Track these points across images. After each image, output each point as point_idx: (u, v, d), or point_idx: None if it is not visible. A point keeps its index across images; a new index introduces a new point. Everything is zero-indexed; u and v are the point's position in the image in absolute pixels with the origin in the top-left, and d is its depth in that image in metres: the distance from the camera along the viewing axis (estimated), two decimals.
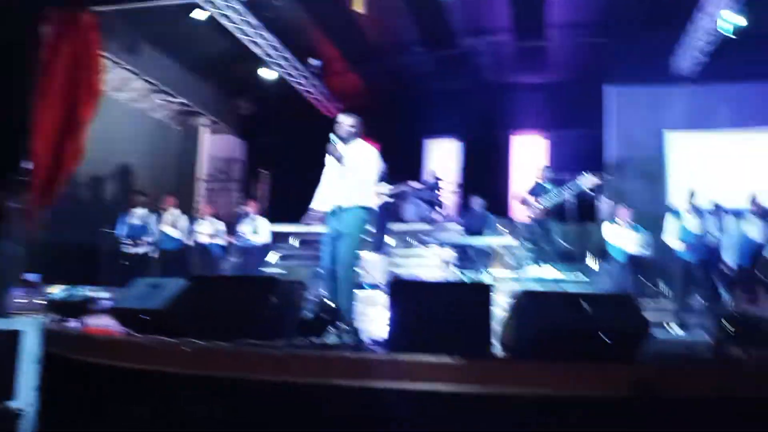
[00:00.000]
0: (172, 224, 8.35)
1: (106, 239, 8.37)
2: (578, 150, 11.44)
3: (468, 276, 7.17)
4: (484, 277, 7.09)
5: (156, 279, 3.97)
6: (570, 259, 9.14)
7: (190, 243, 8.50)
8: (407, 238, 9.45)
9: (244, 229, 8.45)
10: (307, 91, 11.52)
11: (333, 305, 3.51)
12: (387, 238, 8.46)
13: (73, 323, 4.05)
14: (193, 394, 2.95)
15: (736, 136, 10.15)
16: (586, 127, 11.31)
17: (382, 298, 5.11)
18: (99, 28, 7.33)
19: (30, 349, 3.77)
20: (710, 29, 8.65)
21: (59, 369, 3.55)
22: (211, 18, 8.63)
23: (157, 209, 8.47)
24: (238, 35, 9.18)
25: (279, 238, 10.09)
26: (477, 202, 8.34)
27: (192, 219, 8.85)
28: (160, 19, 8.99)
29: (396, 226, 9.66)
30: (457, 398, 2.74)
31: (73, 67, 6.84)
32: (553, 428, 2.70)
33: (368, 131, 4.99)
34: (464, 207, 9.87)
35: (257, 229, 8.43)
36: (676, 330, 6.38)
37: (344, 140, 4.59)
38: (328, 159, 4.75)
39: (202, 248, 8.47)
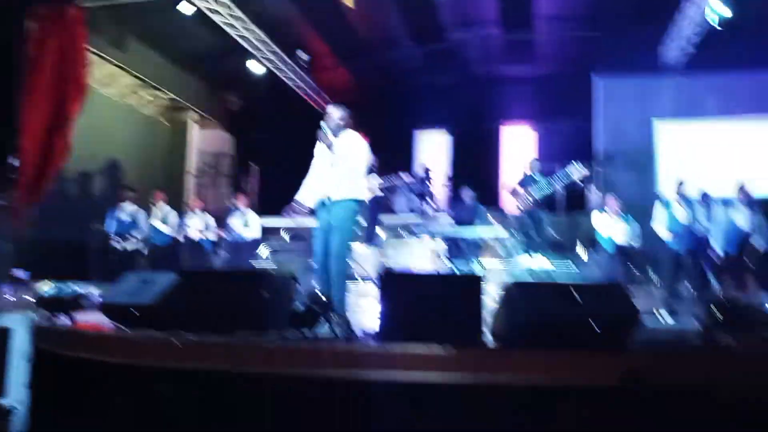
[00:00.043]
0: (162, 219, 8.32)
1: (95, 235, 8.32)
2: (567, 141, 11.49)
3: (459, 267, 7.19)
4: (475, 268, 7.11)
5: (146, 274, 3.95)
6: (560, 249, 9.19)
7: (180, 238, 8.47)
8: (398, 230, 9.46)
9: (234, 223, 8.43)
10: (297, 86, 11.48)
11: (324, 298, 3.50)
12: (378, 231, 8.47)
13: (62, 319, 4.03)
14: (184, 389, 2.95)
15: (723, 124, 10.22)
16: (575, 118, 11.35)
17: (373, 290, 5.12)
18: (85, 23, 7.27)
19: (19, 346, 3.75)
20: (697, 19, 8.69)
21: (49, 365, 3.53)
22: (198, 12, 8.57)
23: (146, 204, 8.43)
24: (226, 29, 9.12)
25: (269, 232, 10.07)
26: (467, 194, 8.35)
27: (181, 214, 8.81)
28: (146, 13, 8.92)
29: (387, 219, 9.67)
30: (448, 388, 2.75)
31: (60, 62, 6.78)
32: (544, 417, 2.72)
33: (358, 124, 4.98)
34: (455, 198, 9.89)
35: (247, 223, 8.42)
36: (665, 318, 6.43)
37: (334, 132, 4.57)
38: (317, 151, 4.74)
39: (192, 243, 8.44)
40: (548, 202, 8.54)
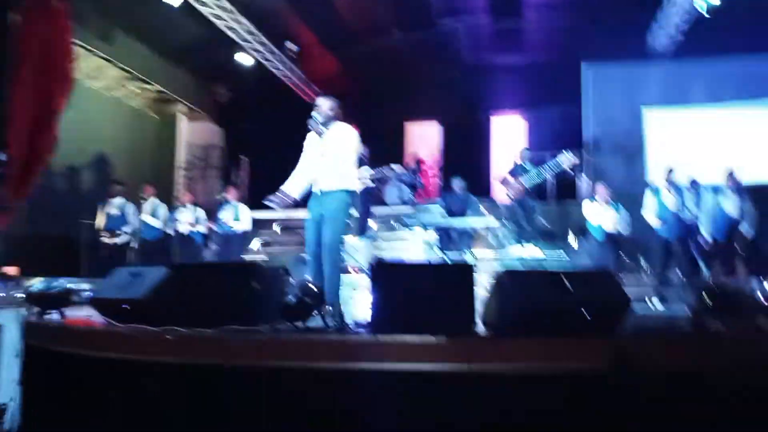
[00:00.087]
0: (152, 213, 8.28)
1: (84, 230, 8.27)
2: (557, 129, 11.53)
3: (451, 257, 7.20)
4: (467, 258, 7.13)
5: (136, 268, 3.93)
6: (551, 237, 9.23)
7: (171, 232, 8.43)
8: (390, 221, 9.46)
9: (225, 216, 8.39)
10: (286, 76, 11.42)
11: (316, 289, 3.50)
12: (370, 222, 8.47)
13: (53, 315, 4.00)
14: (176, 383, 2.94)
15: (712, 111, 10.27)
16: (565, 106, 11.38)
17: (365, 281, 5.12)
18: (71, 15, 7.19)
19: (10, 342, 3.73)
20: (686, 7, 8.71)
21: (41, 361, 3.52)
22: (185, 3, 8.50)
23: (135, 198, 8.38)
24: (214, 20, 9.05)
25: (261, 225, 10.04)
26: (458, 184, 8.36)
27: (172, 207, 8.77)
28: (133, 5, 8.84)
29: (379, 210, 9.67)
30: (441, 377, 2.76)
31: (46, 55, 6.69)
32: (537, 403, 2.74)
33: (348, 115, 4.97)
34: (446, 189, 9.89)
35: (238, 216, 8.39)
36: (656, 304, 6.48)
37: (324, 123, 4.56)
38: (308, 142, 4.73)
39: (182, 236, 8.40)
40: (538, 191, 8.57)
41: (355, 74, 11.93)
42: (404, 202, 10.49)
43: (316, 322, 3.37)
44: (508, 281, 3.20)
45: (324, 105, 4.59)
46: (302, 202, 4.82)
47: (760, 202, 7.23)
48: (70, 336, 3.47)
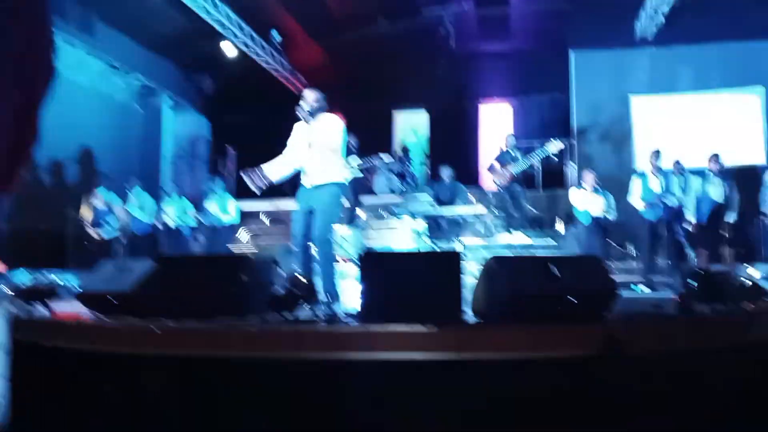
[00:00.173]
0: (139, 206, 8.23)
1: (70, 224, 8.21)
2: (545, 117, 11.57)
3: (440, 246, 7.22)
4: (456, 246, 7.15)
5: (123, 261, 3.90)
6: (539, 225, 9.29)
7: (158, 224, 8.39)
8: (379, 210, 9.46)
9: (212, 207, 8.36)
10: (271, 67, 11.35)
11: (305, 280, 3.49)
12: (359, 212, 8.46)
13: (40, 309, 3.97)
14: (165, 375, 2.93)
15: (698, 98, 10.33)
16: (552, 93, 11.41)
17: (354, 271, 5.12)
18: (51, 7, 7.10)
19: None
20: None
21: (29, 356, 3.49)
22: None
23: (122, 192, 8.32)
24: (197, 11, 8.96)
25: (249, 216, 10.01)
26: (446, 172, 8.37)
27: (158, 200, 8.72)
28: None
29: (367, 199, 9.66)
30: (431, 366, 2.77)
31: (26, 49, 6.61)
32: (527, 391, 2.75)
33: (335, 104, 4.95)
34: (434, 177, 9.90)
35: (225, 208, 8.36)
36: (643, 289, 6.53)
37: (310, 114, 4.54)
38: (295, 132, 4.71)
39: (170, 229, 8.37)
40: (526, 179, 8.60)
41: (341, 63, 11.88)
42: (393, 191, 10.49)
43: (305, 312, 3.36)
44: (496, 268, 3.20)
45: (310, 96, 4.57)
46: (290, 192, 4.81)
47: (744, 185, 7.31)
48: (58, 330, 3.44)
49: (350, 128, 4.97)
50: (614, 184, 7.87)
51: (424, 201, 8.22)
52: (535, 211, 9.67)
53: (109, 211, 8.02)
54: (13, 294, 4.23)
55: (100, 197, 8.03)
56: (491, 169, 8.52)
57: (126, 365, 3.03)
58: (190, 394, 2.90)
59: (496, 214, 8.88)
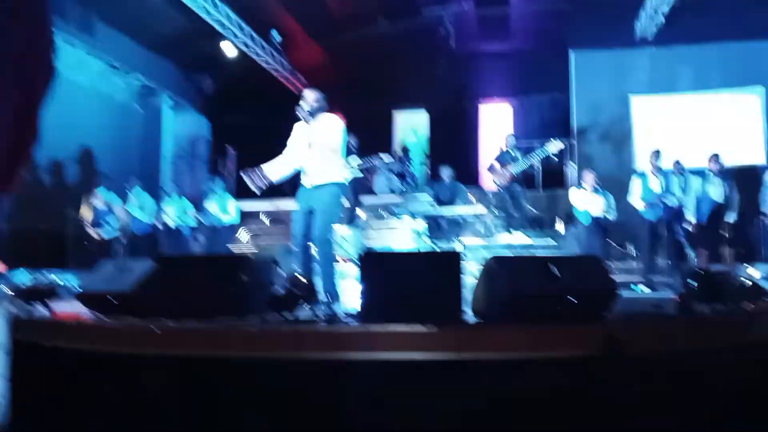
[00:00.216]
0: (139, 206, 8.22)
1: (70, 224, 8.21)
2: (545, 117, 11.57)
3: (440, 246, 7.22)
4: (456, 246, 7.15)
5: (123, 261, 3.90)
6: (539, 225, 9.29)
7: (158, 224, 8.39)
8: (379, 210, 9.46)
9: (212, 207, 8.35)
10: (271, 67, 11.35)
11: (305, 280, 3.49)
12: (359, 212, 8.45)
13: (40, 309, 3.97)
14: (165, 375, 2.93)
15: (698, 98, 10.33)
16: (552, 93, 11.41)
17: (354, 271, 5.12)
18: (51, 7, 7.10)
19: None
20: None
21: (29, 356, 3.49)
22: None
23: (122, 192, 8.32)
24: (197, 11, 8.96)
25: (249, 216, 9.99)
26: (446, 172, 8.36)
27: (159, 200, 8.71)
28: None
29: (367, 199, 9.65)
30: (431, 366, 2.76)
31: (26, 48, 6.61)
32: (527, 391, 2.75)
33: (335, 104, 4.95)
34: (434, 177, 9.90)
35: (225, 208, 8.35)
36: (643, 289, 6.52)
37: (310, 114, 4.54)
38: (295, 132, 4.71)
39: (170, 229, 8.36)
40: (526, 178, 8.60)
41: (341, 63, 11.87)
42: (393, 191, 10.49)
43: (305, 312, 3.36)
44: (496, 268, 3.20)
45: (310, 96, 4.58)
46: (290, 192, 4.81)
47: (744, 185, 7.30)
48: (58, 330, 3.44)
49: (350, 128, 4.98)
50: (614, 184, 7.87)
51: (424, 201, 8.22)
52: (535, 211, 9.67)
53: (109, 211, 8.01)
54: (13, 294, 4.23)
55: (100, 197, 8.03)
56: (491, 169, 8.51)
57: (126, 365, 3.03)
58: (190, 394, 2.90)
59: (496, 214, 8.87)
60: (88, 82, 10.24)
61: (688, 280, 3.60)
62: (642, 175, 7.31)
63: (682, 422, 2.78)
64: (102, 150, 10.33)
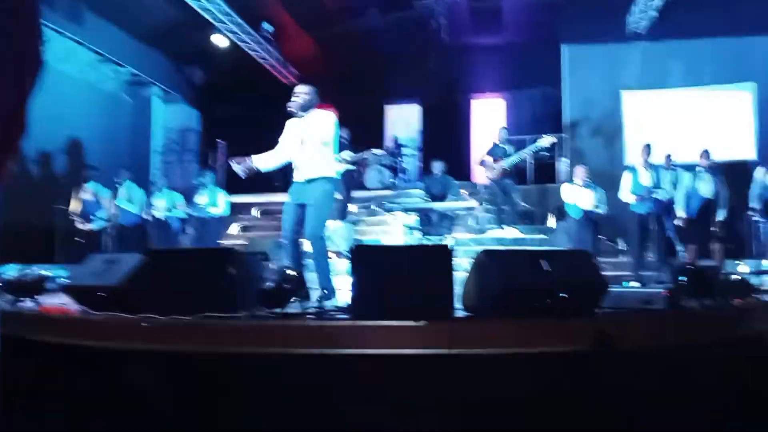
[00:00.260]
0: (128, 199, 8.15)
1: (59, 216, 8.13)
2: (537, 111, 11.58)
3: (431, 240, 7.22)
4: (447, 240, 7.15)
5: (112, 255, 3.87)
6: (530, 219, 9.31)
7: (147, 216, 8.32)
8: (370, 204, 9.46)
9: (202, 200, 8.29)
10: (262, 58, 11.28)
11: (295, 274, 3.47)
12: (350, 206, 8.44)
13: (27, 303, 3.93)
14: (154, 370, 2.91)
15: (689, 94, 10.36)
16: (544, 87, 11.41)
17: (344, 265, 5.11)
18: None
19: None
20: None
21: (16, 351, 3.46)
22: None
23: (111, 184, 8.24)
24: (188, 0, 8.88)
25: (239, 210, 9.95)
26: (438, 167, 8.34)
27: (148, 192, 8.64)
28: None
29: (359, 193, 9.64)
30: (421, 361, 2.76)
31: (13, 38, 6.53)
32: (518, 386, 2.76)
33: (327, 97, 4.93)
34: (425, 171, 9.89)
35: (215, 201, 8.29)
36: (633, 285, 6.56)
37: (302, 109, 4.53)
38: (287, 127, 4.70)
39: (159, 222, 8.30)
40: (517, 172, 8.60)
41: (333, 55, 11.81)
42: (384, 186, 10.49)
43: (294, 307, 3.35)
44: (487, 262, 3.20)
45: (301, 91, 4.57)
46: (281, 187, 4.79)
47: (734, 181, 7.33)
48: (46, 324, 3.41)
49: (342, 121, 4.95)
50: (605, 178, 7.89)
51: (416, 195, 8.22)
52: (526, 205, 9.69)
53: (98, 203, 7.94)
54: (0, 288, 4.19)
55: (89, 189, 7.95)
56: (483, 163, 8.51)
57: (114, 360, 3.01)
58: (178, 390, 2.88)
59: (487, 208, 8.89)
60: (76, 72, 10.14)
61: (678, 276, 3.61)
62: (633, 170, 7.33)
63: (671, 417, 2.79)
64: (91, 141, 10.23)
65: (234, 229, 9.65)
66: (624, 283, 6.47)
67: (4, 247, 6.37)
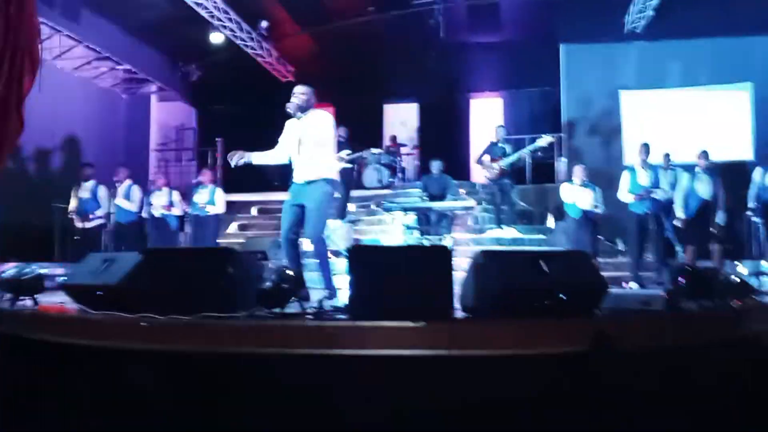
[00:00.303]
0: (126, 196, 8.12)
1: (57, 214, 8.11)
2: (535, 110, 11.57)
3: (429, 239, 7.21)
4: (445, 240, 7.14)
5: (110, 254, 3.86)
6: (529, 219, 9.31)
7: (145, 215, 8.29)
8: (369, 203, 9.45)
9: (199, 199, 8.25)
10: (259, 56, 11.25)
11: (294, 274, 3.46)
12: (348, 205, 8.43)
13: (26, 302, 3.92)
14: (152, 370, 2.90)
15: (687, 94, 10.37)
16: (542, 86, 11.41)
17: (343, 265, 5.11)
18: None
19: None
20: None
21: (13, 349, 3.45)
22: None
23: (108, 182, 8.20)
24: None
25: (237, 208, 9.92)
26: (436, 166, 8.34)
27: (146, 190, 8.61)
28: None
29: (357, 193, 9.63)
30: (420, 362, 2.75)
31: (8, 34, 6.47)
32: (517, 387, 2.76)
33: (326, 96, 4.94)
34: (424, 171, 9.89)
35: (212, 199, 8.25)
36: (632, 286, 6.56)
37: (301, 110, 4.54)
38: (286, 129, 4.71)
39: (157, 220, 8.27)
40: (515, 172, 8.60)
41: (331, 54, 11.80)
42: (383, 186, 10.48)
43: (293, 307, 3.34)
44: (485, 262, 3.19)
45: (299, 92, 4.58)
46: (279, 186, 4.79)
47: (732, 181, 7.34)
48: (43, 323, 3.40)
49: (341, 120, 4.97)
50: (603, 178, 7.88)
51: (414, 195, 8.21)
52: (524, 205, 9.69)
53: (96, 202, 7.91)
54: None
55: (86, 187, 7.92)
56: (480, 161, 8.51)
57: (112, 359, 3.00)
58: (176, 389, 2.88)
59: (486, 208, 8.89)
60: (71, 68, 10.11)
61: (676, 277, 3.61)
62: (631, 170, 7.32)
63: (671, 417, 2.80)
64: (88, 139, 10.21)
65: (231, 227, 9.63)
66: (623, 284, 6.48)
67: (1, 244, 6.36)
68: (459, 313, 3.22)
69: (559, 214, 8.12)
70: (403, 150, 12.04)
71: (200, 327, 2.95)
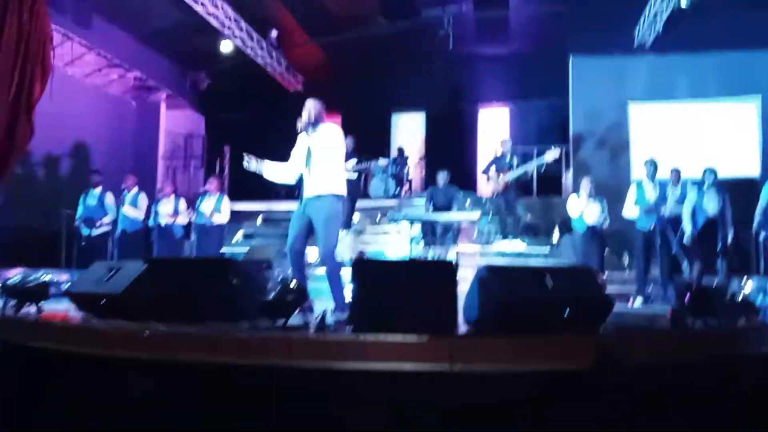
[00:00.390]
0: (132, 204, 8.14)
1: (64, 220, 8.15)
2: (542, 121, 11.55)
3: (435, 252, 7.20)
4: (451, 253, 7.13)
5: (115, 262, 3.88)
6: (534, 231, 9.28)
7: (152, 223, 8.32)
8: (374, 214, 9.46)
9: (205, 207, 8.26)
10: (268, 65, 11.31)
11: (298, 285, 3.46)
12: (354, 215, 8.43)
13: (30, 309, 3.93)
14: (153, 380, 2.90)
15: (696, 107, 10.34)
16: (550, 98, 11.39)
17: (347, 275, 5.10)
18: (48, 1, 7.04)
19: None
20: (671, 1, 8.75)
21: (16, 357, 3.45)
22: None
23: (116, 189, 8.24)
24: (194, 6, 8.91)
25: (243, 217, 9.93)
26: (442, 177, 8.33)
27: (152, 198, 8.64)
28: None
29: (363, 203, 9.63)
30: (423, 377, 2.74)
31: (22, 42, 6.54)
32: (520, 402, 2.74)
33: (333, 105, 4.95)
34: (430, 182, 9.89)
35: (219, 208, 8.26)
36: (637, 301, 6.52)
37: (311, 124, 4.56)
38: (298, 142, 4.72)
39: (163, 229, 8.29)
40: (521, 185, 8.59)
41: (340, 63, 11.85)
42: (388, 195, 10.48)
43: (296, 318, 3.34)
44: (489, 277, 3.18)
45: (310, 107, 4.59)
46: (285, 195, 4.80)
47: (739, 197, 7.29)
48: (47, 331, 3.41)
49: (347, 129, 4.97)
50: (611, 191, 7.84)
51: (419, 205, 8.21)
52: (530, 217, 9.67)
53: (102, 208, 7.94)
54: (2, 292, 4.18)
55: (94, 194, 7.96)
56: (486, 173, 8.50)
57: (115, 368, 3.00)
58: (178, 400, 2.87)
59: (491, 220, 8.87)
60: (81, 75, 10.19)
61: (681, 294, 3.59)
62: (638, 184, 7.28)
63: None
64: (96, 145, 10.27)
65: (237, 236, 9.64)
66: (629, 300, 6.43)
67: (8, 250, 6.40)
68: (462, 327, 3.21)
69: (566, 227, 8.08)
70: (409, 161, 12.06)
71: (203, 337, 2.95)
